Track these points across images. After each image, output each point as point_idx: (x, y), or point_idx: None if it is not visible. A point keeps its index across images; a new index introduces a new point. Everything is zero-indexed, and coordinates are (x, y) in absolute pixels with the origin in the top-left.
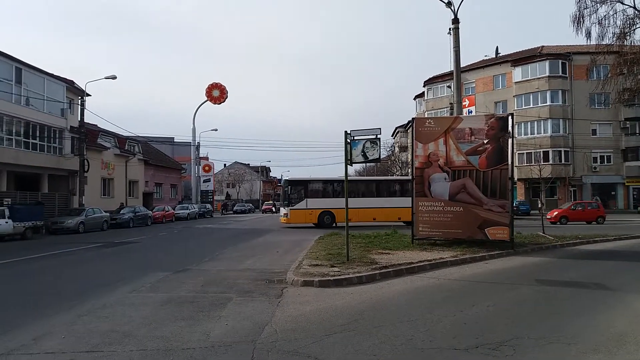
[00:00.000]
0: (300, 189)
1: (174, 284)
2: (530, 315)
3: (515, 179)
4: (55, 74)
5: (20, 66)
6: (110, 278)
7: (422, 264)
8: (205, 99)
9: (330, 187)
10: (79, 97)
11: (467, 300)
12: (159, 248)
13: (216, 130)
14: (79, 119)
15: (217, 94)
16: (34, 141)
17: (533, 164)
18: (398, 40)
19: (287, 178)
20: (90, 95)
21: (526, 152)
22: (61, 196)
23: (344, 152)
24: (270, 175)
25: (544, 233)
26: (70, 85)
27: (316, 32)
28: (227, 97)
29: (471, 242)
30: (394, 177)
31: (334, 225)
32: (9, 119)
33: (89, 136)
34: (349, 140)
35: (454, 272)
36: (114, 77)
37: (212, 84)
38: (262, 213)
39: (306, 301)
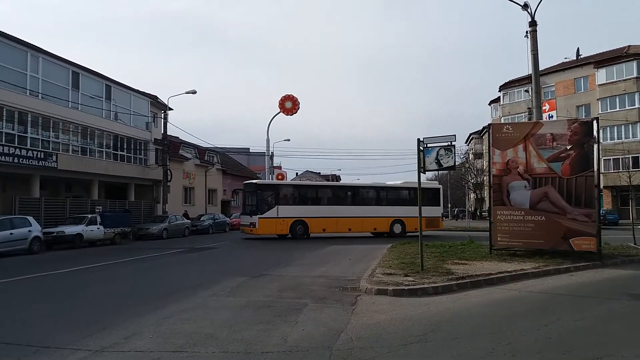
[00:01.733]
0: (270, 194)
1: (252, 289)
2: (623, 332)
3: (602, 186)
4: (140, 90)
5: (109, 84)
6: (192, 282)
7: (501, 275)
8: (279, 110)
9: (304, 194)
10: (162, 111)
11: (552, 314)
12: (237, 254)
13: (289, 140)
14: (162, 132)
15: (289, 105)
16: (122, 153)
17: (621, 170)
18: (471, 45)
19: (253, 181)
20: (172, 109)
21: (613, 158)
22: (146, 204)
23: (416, 160)
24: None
25: (635, 244)
26: (154, 100)
27: (388, 39)
28: (299, 108)
29: (554, 253)
30: (371, 184)
31: (306, 236)
32: (100, 132)
33: (171, 148)
34: (421, 148)
35: (536, 284)
36: (194, 92)
37: (284, 96)
38: None
39: (381, 310)
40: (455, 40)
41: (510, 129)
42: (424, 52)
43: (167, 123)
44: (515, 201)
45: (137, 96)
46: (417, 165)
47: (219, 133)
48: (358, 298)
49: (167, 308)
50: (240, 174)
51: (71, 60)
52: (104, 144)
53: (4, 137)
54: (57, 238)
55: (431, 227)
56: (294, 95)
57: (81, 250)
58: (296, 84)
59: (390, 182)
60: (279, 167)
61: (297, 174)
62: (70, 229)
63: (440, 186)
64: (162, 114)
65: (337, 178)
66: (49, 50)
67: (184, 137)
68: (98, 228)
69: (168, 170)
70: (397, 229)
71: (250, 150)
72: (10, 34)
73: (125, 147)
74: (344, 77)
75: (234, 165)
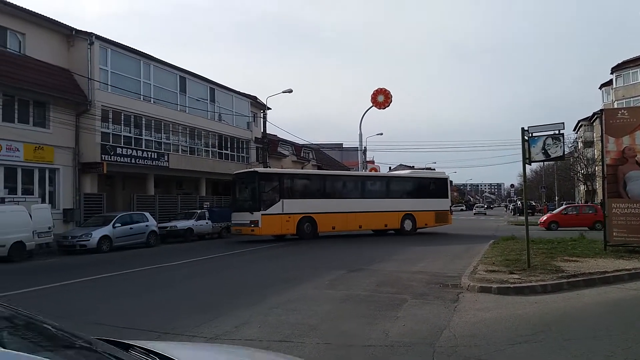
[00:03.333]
0: (274, 186)
1: (351, 283)
2: None
3: None
4: (241, 91)
5: (213, 87)
6: (293, 275)
7: (618, 273)
8: (371, 104)
9: (311, 185)
10: (261, 111)
11: None
12: (334, 247)
13: (381, 134)
14: (262, 131)
15: (382, 99)
16: (225, 152)
17: None
18: (578, 27)
19: (252, 170)
20: (270, 109)
21: None
22: None
23: (521, 151)
24: None
25: None
26: (253, 101)
27: (488, 26)
28: (391, 102)
29: None
30: (379, 174)
31: (316, 235)
32: (206, 133)
33: (270, 145)
34: (526, 138)
35: None
36: (290, 91)
37: (377, 90)
38: None
39: (484, 308)
40: (564, 23)
41: (626, 114)
42: (529, 38)
43: (266, 122)
44: (633, 193)
45: (238, 97)
46: (521, 156)
47: (314, 130)
48: (460, 295)
49: (272, 299)
50: (335, 169)
51: (179, 66)
52: (210, 143)
53: (122, 140)
54: (171, 232)
55: (440, 222)
56: (386, 89)
57: (191, 244)
58: (389, 78)
59: (396, 172)
60: (372, 162)
61: (390, 168)
62: (182, 224)
63: (448, 176)
64: (262, 114)
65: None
66: (159, 58)
67: (281, 135)
68: (207, 222)
69: (268, 167)
70: (408, 225)
71: (343, 146)
72: (125, 44)
73: (228, 146)
74: (442, 68)
75: (329, 161)
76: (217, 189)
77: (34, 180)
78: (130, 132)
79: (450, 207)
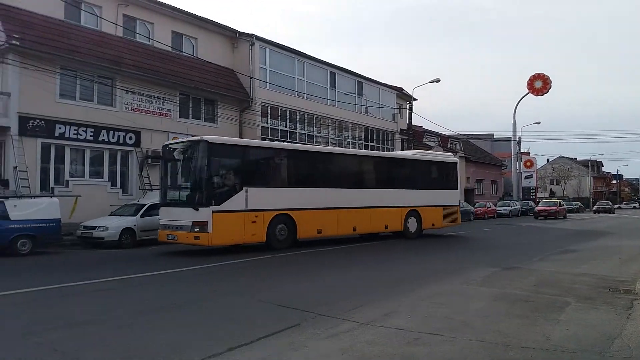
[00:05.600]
0: (234, 167)
1: (504, 281)
2: None
3: None
4: (387, 83)
5: (361, 80)
6: (440, 268)
7: None
8: (527, 91)
9: (290, 166)
10: (407, 102)
11: None
12: (484, 244)
13: (539, 123)
14: (407, 122)
15: (539, 85)
16: (371, 144)
17: None
18: None
19: (195, 139)
20: (416, 100)
21: None
22: None
23: None
24: (603, 170)
25: None
26: (399, 92)
27: None
28: (550, 88)
29: None
30: (377, 153)
31: (295, 242)
32: (353, 125)
33: (415, 137)
34: None
35: None
36: (437, 80)
37: (534, 75)
38: (594, 213)
39: None
40: None
41: None
42: None
43: (412, 113)
44: None
45: (384, 90)
46: None
47: (463, 120)
48: (634, 302)
49: (420, 291)
50: (484, 161)
51: (329, 61)
52: (356, 136)
53: (279, 133)
54: None
55: (448, 220)
56: (545, 74)
57: None
58: (547, 64)
59: (396, 152)
60: (527, 153)
61: (548, 160)
62: None
63: (457, 160)
64: (407, 105)
65: (598, 164)
66: (311, 55)
67: (427, 125)
68: None
69: None
70: (412, 225)
71: (495, 136)
72: (282, 44)
73: (374, 138)
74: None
75: (478, 152)
76: None
77: None
78: (285, 126)
79: (460, 201)
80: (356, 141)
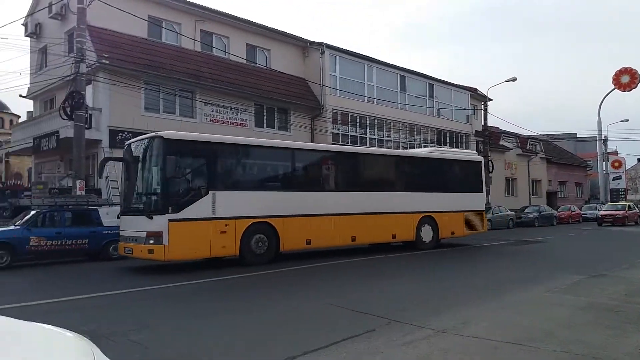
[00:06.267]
0: (196, 166)
1: (591, 289)
2: None
3: None
4: (460, 84)
5: (432, 82)
6: (521, 275)
7: None
8: (612, 87)
9: (268, 166)
10: (482, 103)
11: None
12: (568, 249)
13: (627, 120)
14: (482, 123)
15: (626, 79)
16: (444, 147)
17: None
18: None
19: (154, 135)
20: (491, 100)
21: None
22: None
23: None
24: None
25: None
26: (473, 93)
27: None
28: (639, 83)
29: None
30: (384, 151)
31: (277, 255)
32: (425, 129)
33: (492, 138)
34: None
35: None
36: (514, 79)
37: (620, 70)
38: None
39: None
40: None
41: None
42: None
43: (487, 114)
44: None
45: (457, 91)
46: None
47: (542, 120)
48: None
49: (500, 299)
50: (567, 162)
51: (398, 65)
52: (428, 139)
53: (349, 139)
54: None
55: (472, 228)
56: (633, 68)
57: None
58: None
59: (409, 151)
60: (615, 153)
61: (638, 159)
62: None
63: (481, 159)
64: (482, 106)
65: None
66: (380, 60)
67: (503, 126)
68: None
69: (489, 162)
70: (427, 234)
71: (578, 136)
72: (351, 50)
73: (447, 141)
74: None
75: (560, 153)
76: None
77: None
78: (355, 132)
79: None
80: (428, 144)
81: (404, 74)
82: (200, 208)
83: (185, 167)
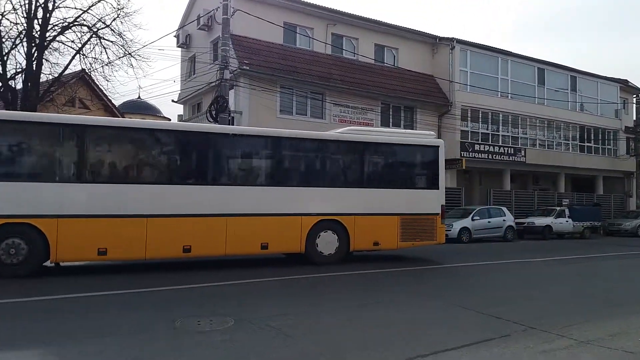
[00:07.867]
0: None
1: None
2: None
3: None
4: (607, 76)
5: (574, 74)
6: None
7: None
8: None
9: (42, 143)
10: (634, 96)
11: None
12: None
13: None
14: (634, 118)
15: None
16: (588, 144)
17: None
18: None
19: None
20: None
21: None
22: (616, 198)
23: None
24: None
25: None
26: (624, 85)
27: None
28: None
29: None
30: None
31: (38, 267)
32: (565, 125)
33: None
34: None
35: None
36: None
37: None
38: None
39: None
40: None
41: None
42: None
43: None
44: None
45: (604, 83)
46: None
47: None
48: None
49: None
50: None
51: (536, 57)
52: (570, 136)
53: (480, 137)
54: (528, 228)
55: (414, 238)
56: None
57: (550, 242)
58: None
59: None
60: None
61: None
62: (539, 221)
63: (441, 143)
64: (634, 99)
65: None
66: (515, 52)
67: None
68: (567, 221)
69: None
70: (325, 244)
71: None
72: (483, 44)
73: (592, 138)
74: None
75: None
76: (577, 185)
77: None
78: (487, 129)
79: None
80: (569, 142)
81: (542, 67)
82: None
83: None
